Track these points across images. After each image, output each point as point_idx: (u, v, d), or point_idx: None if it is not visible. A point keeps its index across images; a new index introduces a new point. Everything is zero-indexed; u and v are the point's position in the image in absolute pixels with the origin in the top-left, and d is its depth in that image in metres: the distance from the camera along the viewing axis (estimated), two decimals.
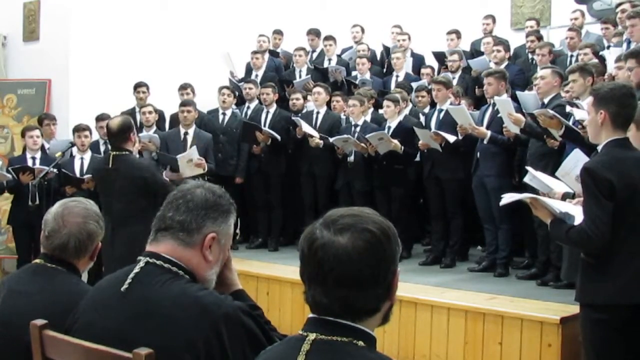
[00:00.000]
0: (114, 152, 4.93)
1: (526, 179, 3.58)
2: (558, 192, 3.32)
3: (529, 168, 3.79)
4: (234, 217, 1.90)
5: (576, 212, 2.99)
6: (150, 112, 6.94)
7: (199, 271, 1.82)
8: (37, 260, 2.31)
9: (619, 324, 2.86)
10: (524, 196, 3.12)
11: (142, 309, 1.72)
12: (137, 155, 5.40)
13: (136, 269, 1.79)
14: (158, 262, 1.79)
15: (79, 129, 6.58)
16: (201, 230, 1.81)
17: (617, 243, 2.84)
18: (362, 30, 8.94)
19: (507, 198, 3.18)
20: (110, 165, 4.92)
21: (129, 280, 1.77)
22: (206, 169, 6.31)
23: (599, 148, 3.53)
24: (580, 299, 3.02)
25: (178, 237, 1.81)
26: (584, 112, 4.52)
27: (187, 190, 1.86)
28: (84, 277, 2.42)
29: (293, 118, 6.97)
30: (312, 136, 6.72)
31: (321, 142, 6.68)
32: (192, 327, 1.67)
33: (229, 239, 1.89)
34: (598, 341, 2.92)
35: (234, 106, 7.43)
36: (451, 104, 6.33)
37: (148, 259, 1.80)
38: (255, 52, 8.39)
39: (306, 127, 6.75)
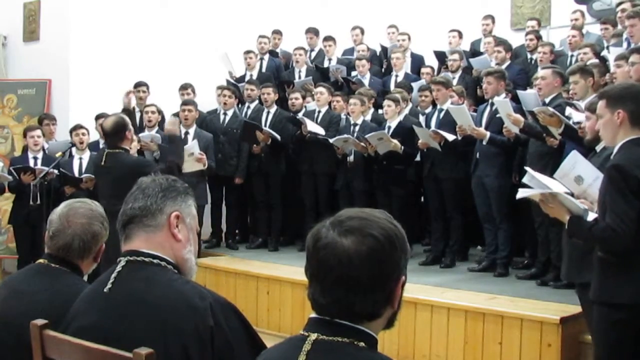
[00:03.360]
0: (108, 150, 4.94)
1: (525, 180, 3.58)
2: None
3: (527, 168, 3.77)
4: (193, 200, 1.96)
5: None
6: (153, 112, 6.93)
7: (175, 253, 1.87)
8: (41, 260, 2.31)
9: (637, 323, 2.81)
10: (541, 191, 3.05)
11: (129, 309, 1.75)
12: (136, 154, 5.38)
13: (117, 269, 1.83)
14: (139, 259, 1.82)
15: (76, 128, 6.62)
16: (163, 210, 1.87)
17: (639, 242, 2.79)
18: (362, 32, 8.93)
19: (522, 193, 3.13)
20: (103, 163, 4.92)
21: (111, 281, 1.81)
22: (206, 164, 6.31)
23: (598, 148, 3.54)
24: (597, 298, 2.95)
25: (144, 223, 1.85)
26: (582, 114, 4.52)
27: (141, 182, 1.93)
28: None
29: (298, 117, 6.96)
30: (317, 134, 6.74)
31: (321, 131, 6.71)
32: (179, 324, 1.70)
33: (193, 219, 1.94)
34: (613, 340, 2.87)
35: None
36: (452, 103, 6.33)
37: (128, 257, 1.84)
38: (247, 52, 8.38)
39: (311, 126, 6.77)
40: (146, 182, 1.92)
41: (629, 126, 2.92)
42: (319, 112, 7.13)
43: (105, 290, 1.80)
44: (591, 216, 2.92)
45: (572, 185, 3.26)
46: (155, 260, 1.82)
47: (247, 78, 8.16)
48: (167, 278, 1.80)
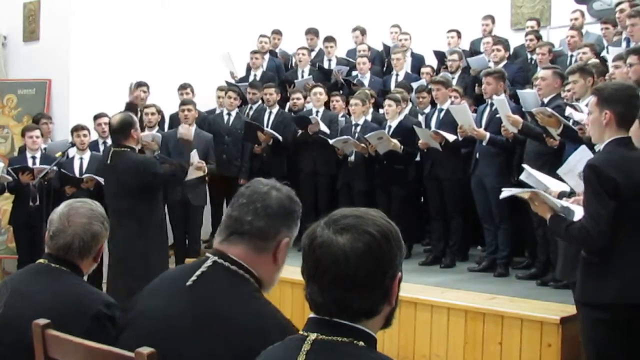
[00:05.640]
0: (115, 149, 4.92)
1: (522, 177, 3.59)
2: (554, 191, 3.31)
3: (525, 166, 3.79)
4: (299, 220, 1.92)
5: (575, 209, 2.99)
6: (152, 113, 6.94)
7: (266, 275, 1.85)
8: (41, 260, 2.31)
9: (621, 323, 2.83)
10: (524, 191, 3.10)
11: (206, 312, 1.74)
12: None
13: (204, 267, 1.80)
14: (225, 264, 1.80)
15: (77, 129, 6.60)
16: (277, 237, 1.83)
17: (621, 242, 2.82)
18: (362, 33, 8.93)
19: (507, 192, 3.17)
20: (109, 161, 4.91)
21: (194, 278, 1.79)
22: (206, 171, 6.32)
23: (597, 147, 3.54)
24: (581, 298, 2.99)
25: (254, 243, 1.81)
26: (582, 114, 4.53)
27: (264, 193, 1.85)
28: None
29: (310, 117, 6.96)
30: (324, 133, 6.78)
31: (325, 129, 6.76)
32: (247, 347, 1.67)
33: (292, 240, 1.91)
34: (599, 341, 2.89)
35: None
36: (452, 103, 6.33)
37: (217, 258, 1.82)
38: (254, 52, 8.40)
39: (323, 126, 6.83)
40: (270, 195, 1.84)
41: (615, 127, 2.95)
42: (317, 112, 7.14)
43: (187, 284, 1.78)
44: (579, 215, 2.93)
45: (575, 181, 3.28)
46: (240, 271, 1.80)
47: (251, 78, 8.19)
48: (248, 294, 1.78)
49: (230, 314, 1.72)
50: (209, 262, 1.81)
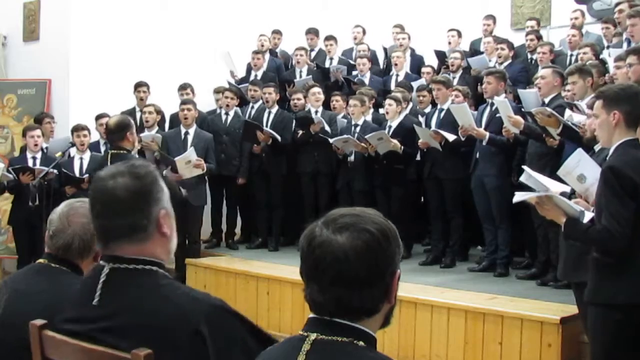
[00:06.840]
0: (112, 151, 4.93)
1: (522, 179, 3.59)
2: (555, 192, 3.30)
3: (525, 167, 3.78)
4: (161, 177, 1.83)
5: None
6: (150, 113, 6.94)
7: (162, 252, 1.81)
8: (41, 260, 2.31)
9: (634, 323, 2.82)
10: (537, 194, 3.06)
11: (122, 321, 1.70)
12: (137, 155, 5.40)
13: (102, 278, 1.75)
14: (122, 266, 1.75)
15: (77, 129, 6.59)
16: (151, 218, 1.77)
17: (637, 242, 2.81)
18: (364, 32, 8.94)
19: (519, 197, 3.13)
20: (109, 164, 4.92)
21: (98, 293, 1.74)
22: (205, 169, 6.34)
23: (597, 148, 3.53)
24: (594, 299, 2.96)
25: (134, 237, 1.75)
26: (582, 115, 4.53)
27: (112, 189, 1.75)
28: None
29: (314, 117, 6.96)
30: (326, 132, 6.81)
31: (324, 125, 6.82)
32: (172, 332, 1.66)
33: (170, 200, 1.84)
34: (610, 341, 2.87)
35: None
36: (452, 102, 6.33)
37: (111, 264, 1.77)
38: (256, 52, 8.41)
39: (326, 126, 6.86)
40: (121, 190, 1.73)
41: (624, 127, 2.94)
42: (317, 112, 7.15)
43: (94, 303, 1.74)
44: (587, 217, 2.92)
45: (574, 183, 3.27)
46: (139, 266, 1.75)
47: (252, 78, 8.19)
48: (156, 284, 1.74)
49: (145, 313, 1.69)
50: (105, 271, 1.76)
